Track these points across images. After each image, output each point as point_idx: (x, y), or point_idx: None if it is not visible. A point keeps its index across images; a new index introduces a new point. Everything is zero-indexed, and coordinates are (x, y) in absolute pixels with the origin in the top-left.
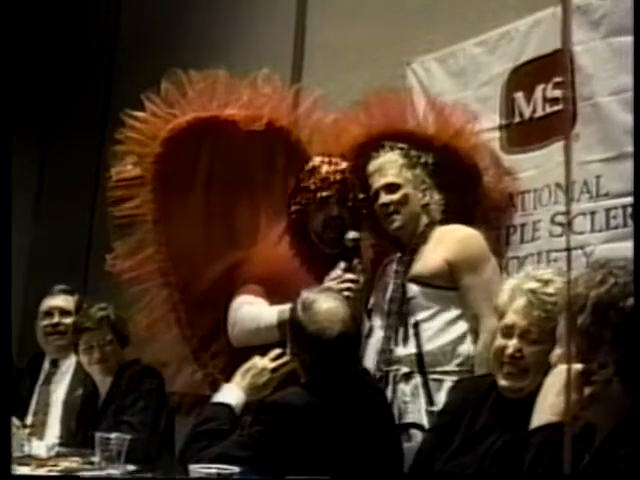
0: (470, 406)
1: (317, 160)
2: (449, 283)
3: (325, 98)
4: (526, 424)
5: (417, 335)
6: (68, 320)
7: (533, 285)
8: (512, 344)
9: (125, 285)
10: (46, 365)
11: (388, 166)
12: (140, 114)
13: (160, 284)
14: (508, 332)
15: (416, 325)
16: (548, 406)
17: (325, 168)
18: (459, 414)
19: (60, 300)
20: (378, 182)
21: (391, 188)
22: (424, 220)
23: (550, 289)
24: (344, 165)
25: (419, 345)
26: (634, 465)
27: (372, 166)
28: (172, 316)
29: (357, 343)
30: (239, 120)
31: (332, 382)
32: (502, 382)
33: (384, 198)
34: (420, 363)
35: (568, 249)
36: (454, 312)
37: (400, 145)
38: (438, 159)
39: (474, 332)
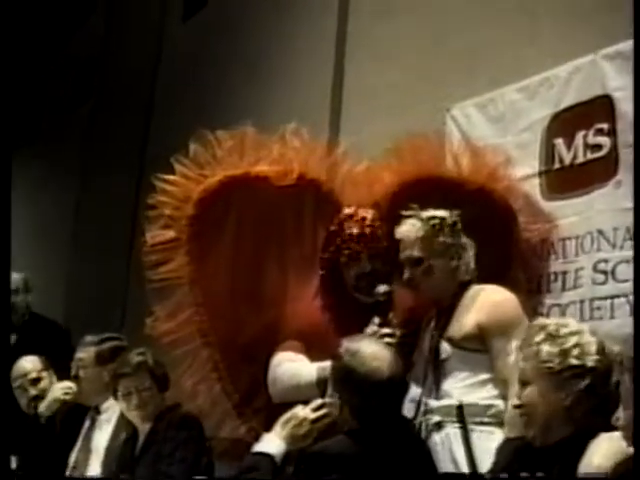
0: (513, 463)
1: (345, 215)
2: (481, 346)
3: (359, 145)
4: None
5: (449, 391)
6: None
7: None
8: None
9: (166, 348)
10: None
11: (410, 238)
12: (171, 177)
13: (200, 345)
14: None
15: (448, 384)
16: (595, 467)
17: (354, 223)
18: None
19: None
20: (402, 253)
21: (414, 261)
22: (456, 280)
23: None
24: (374, 218)
25: (450, 398)
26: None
27: (398, 233)
28: (214, 375)
29: (405, 385)
30: (270, 176)
31: (379, 429)
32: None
33: (407, 273)
34: (452, 413)
35: None
36: (485, 375)
37: (422, 215)
38: (472, 202)
39: (502, 396)
